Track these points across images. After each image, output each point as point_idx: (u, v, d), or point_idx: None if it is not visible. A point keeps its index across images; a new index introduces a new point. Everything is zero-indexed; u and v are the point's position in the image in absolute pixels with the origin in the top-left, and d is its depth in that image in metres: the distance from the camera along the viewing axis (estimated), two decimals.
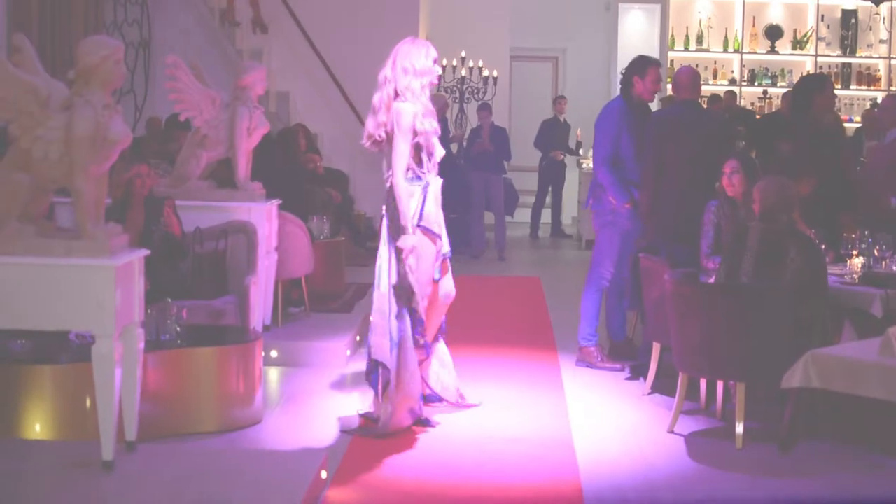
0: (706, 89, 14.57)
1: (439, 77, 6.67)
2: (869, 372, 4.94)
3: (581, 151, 16.62)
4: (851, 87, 16.29)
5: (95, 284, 5.08)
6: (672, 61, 15.44)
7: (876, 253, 6.84)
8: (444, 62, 14.37)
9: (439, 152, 6.62)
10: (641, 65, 8.19)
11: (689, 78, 7.96)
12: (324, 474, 5.47)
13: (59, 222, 6.67)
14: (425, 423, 6.60)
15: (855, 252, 6.87)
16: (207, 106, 8.14)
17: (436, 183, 6.61)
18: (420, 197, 6.54)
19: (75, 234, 5.24)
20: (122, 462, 5.33)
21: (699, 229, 7.42)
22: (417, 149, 6.50)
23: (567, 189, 18.32)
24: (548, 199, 16.97)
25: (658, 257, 7.41)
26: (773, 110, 14.92)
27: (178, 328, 6.39)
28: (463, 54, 15.83)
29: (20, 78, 5.10)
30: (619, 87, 8.50)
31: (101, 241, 5.12)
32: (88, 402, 5.75)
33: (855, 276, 6.71)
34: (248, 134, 8.19)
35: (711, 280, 6.90)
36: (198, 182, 8.29)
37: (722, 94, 14.75)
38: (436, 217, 6.59)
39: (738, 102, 14.96)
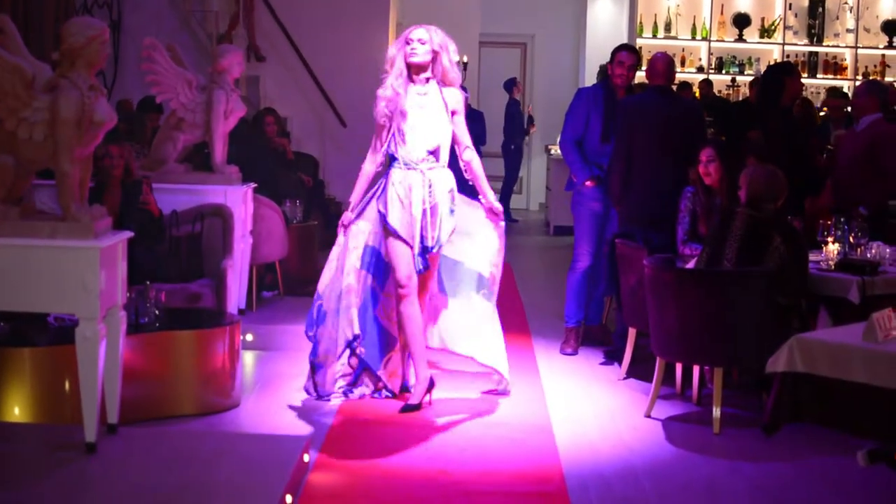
0: None
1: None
2: (853, 356, 4.99)
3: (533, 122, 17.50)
4: (818, 75, 16.40)
5: (80, 266, 5.07)
6: (640, 48, 15.48)
7: (851, 239, 6.86)
8: None
9: (409, 143, 6.54)
10: (614, 51, 8.28)
11: (664, 64, 7.96)
12: (306, 458, 5.48)
13: (38, 204, 6.63)
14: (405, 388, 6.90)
15: (831, 238, 6.89)
16: (184, 89, 8.13)
17: (404, 177, 6.53)
18: (379, 186, 6.64)
19: (59, 216, 5.22)
20: (104, 444, 5.32)
21: (673, 215, 7.44)
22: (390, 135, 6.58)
23: (534, 175, 18.40)
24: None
25: (635, 243, 7.44)
26: (741, 98, 15.00)
27: (157, 311, 6.38)
28: None
29: (5, 59, 5.07)
30: (586, 73, 8.61)
31: (86, 222, 5.11)
32: (68, 385, 5.75)
33: (831, 262, 6.72)
34: (224, 117, 8.18)
35: (689, 266, 6.93)
36: (174, 165, 8.27)
37: (692, 82, 14.83)
38: (399, 215, 6.50)
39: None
